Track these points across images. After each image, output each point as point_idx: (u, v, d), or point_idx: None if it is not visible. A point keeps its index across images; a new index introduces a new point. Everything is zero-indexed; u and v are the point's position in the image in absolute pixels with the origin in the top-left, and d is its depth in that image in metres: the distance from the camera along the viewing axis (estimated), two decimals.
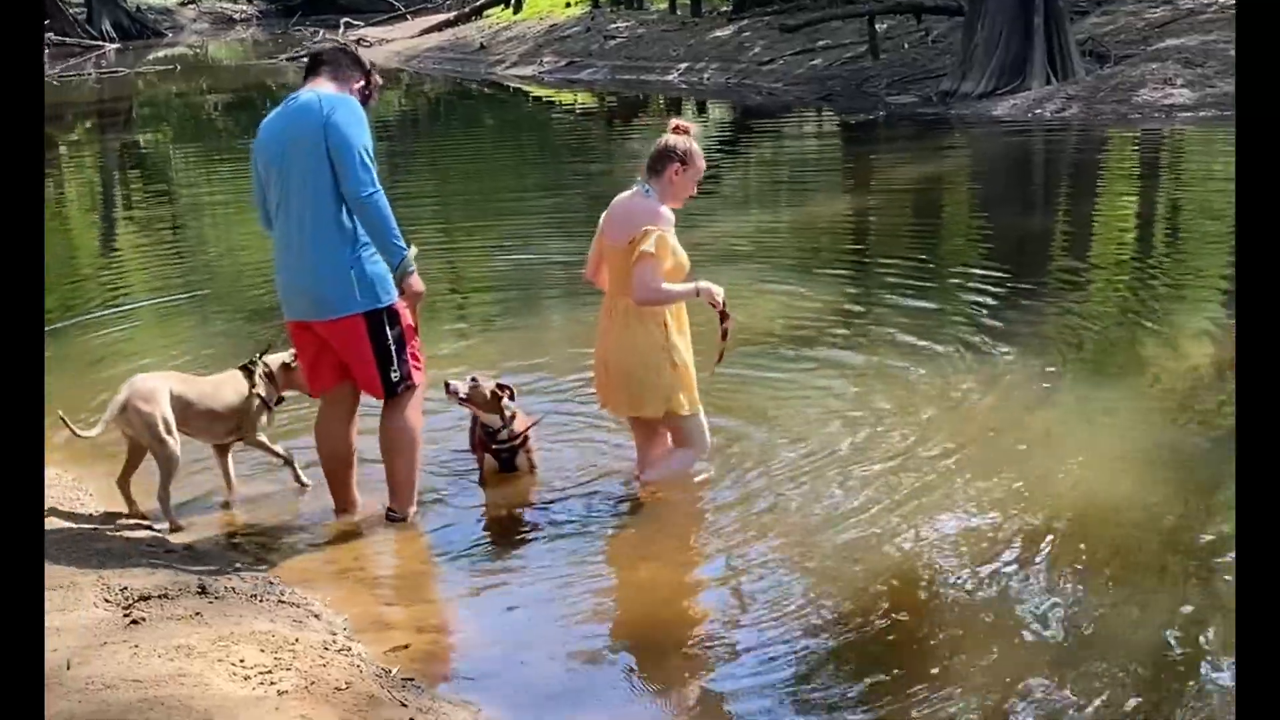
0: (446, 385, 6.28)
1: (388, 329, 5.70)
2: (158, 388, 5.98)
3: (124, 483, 6.13)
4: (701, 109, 23.88)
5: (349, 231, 5.59)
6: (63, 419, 5.83)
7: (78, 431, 5.93)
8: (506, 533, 5.99)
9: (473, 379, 6.35)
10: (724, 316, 6.18)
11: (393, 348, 5.73)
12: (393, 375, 5.75)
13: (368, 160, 5.51)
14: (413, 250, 5.66)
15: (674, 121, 6.13)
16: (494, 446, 6.40)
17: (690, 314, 6.25)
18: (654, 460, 6.32)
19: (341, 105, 5.59)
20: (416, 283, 5.69)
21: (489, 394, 6.31)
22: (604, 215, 6.18)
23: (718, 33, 27.66)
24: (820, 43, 24.76)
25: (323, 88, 5.69)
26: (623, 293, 6.02)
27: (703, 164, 6.07)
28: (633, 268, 5.89)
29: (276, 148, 5.68)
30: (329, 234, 5.58)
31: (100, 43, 43.23)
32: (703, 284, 6.03)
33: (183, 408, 6.01)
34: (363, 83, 5.82)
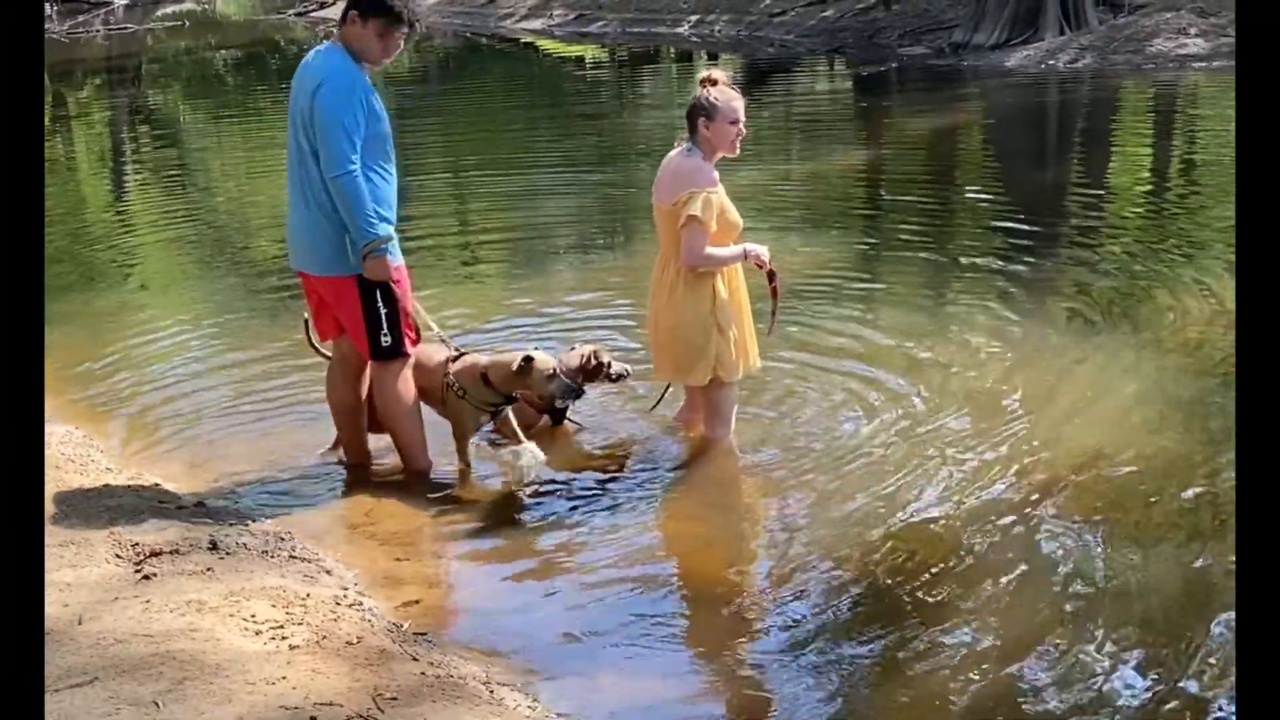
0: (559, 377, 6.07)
1: (378, 294, 5.65)
2: None
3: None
4: (712, 61, 23.72)
5: None
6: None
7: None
8: (520, 492, 5.97)
9: (580, 354, 6.29)
10: (771, 277, 6.14)
11: (383, 311, 5.68)
12: (382, 340, 5.72)
13: (348, 137, 5.39)
14: (387, 231, 5.54)
15: (703, 74, 6.02)
16: (558, 405, 6.41)
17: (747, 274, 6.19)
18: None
19: (328, 79, 5.45)
20: (377, 266, 5.55)
21: (589, 363, 6.27)
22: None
23: None
24: None
25: (336, 38, 5.60)
26: (673, 255, 5.95)
27: (735, 108, 5.86)
28: (679, 231, 5.83)
29: (292, 99, 5.64)
30: (328, 194, 5.54)
31: None
32: (750, 246, 5.97)
33: None
34: (352, 13, 5.53)
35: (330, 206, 5.53)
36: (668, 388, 6.49)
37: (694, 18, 26.37)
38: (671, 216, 5.84)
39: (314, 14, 35.62)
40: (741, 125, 5.90)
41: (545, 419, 6.52)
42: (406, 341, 5.81)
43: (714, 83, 5.91)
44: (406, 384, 5.91)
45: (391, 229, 5.63)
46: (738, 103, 5.89)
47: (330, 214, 5.54)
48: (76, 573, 4.72)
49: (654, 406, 6.56)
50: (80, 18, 37.66)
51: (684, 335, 5.96)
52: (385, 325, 5.69)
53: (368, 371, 5.96)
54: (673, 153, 5.97)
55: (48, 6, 38.31)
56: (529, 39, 28.83)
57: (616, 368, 6.30)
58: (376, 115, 5.56)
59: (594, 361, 6.25)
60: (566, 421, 6.57)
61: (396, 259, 5.67)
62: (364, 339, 5.73)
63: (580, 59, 26.01)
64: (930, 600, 4.80)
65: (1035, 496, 5.55)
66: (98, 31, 35.58)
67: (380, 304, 5.66)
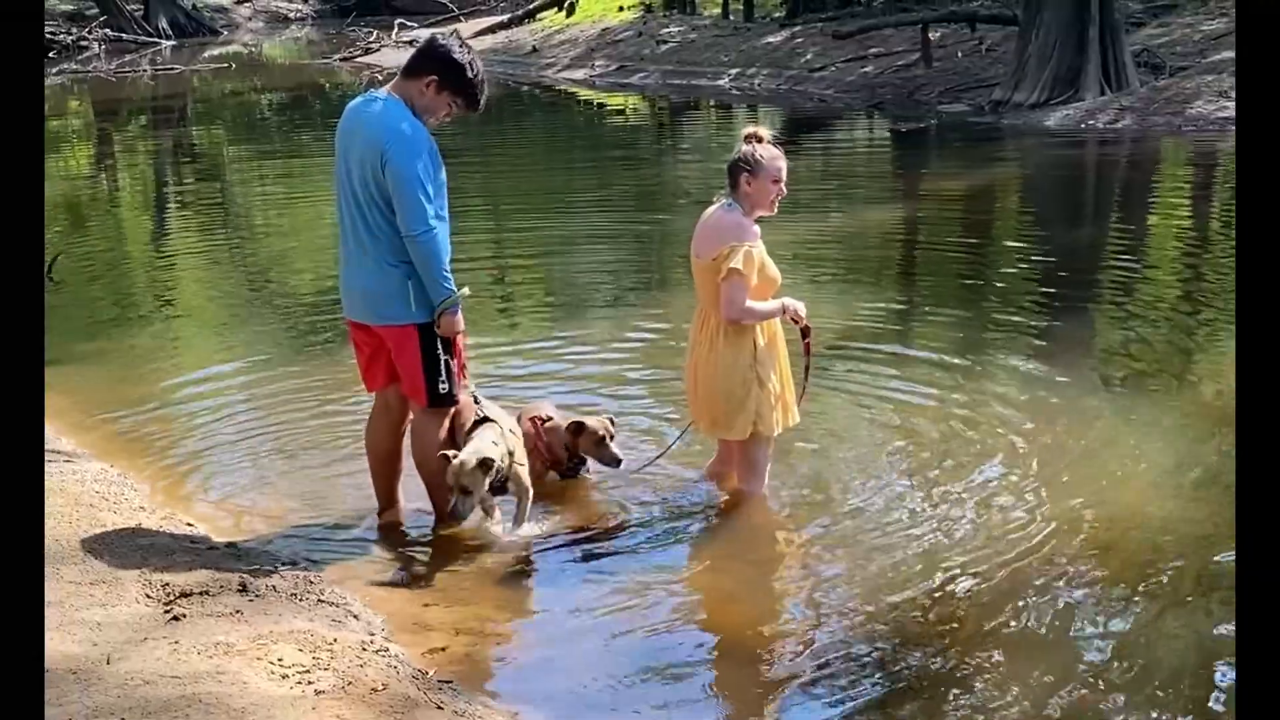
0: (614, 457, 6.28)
1: (439, 341, 5.69)
2: None
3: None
4: (752, 113, 23.81)
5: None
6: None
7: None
8: (549, 538, 5.97)
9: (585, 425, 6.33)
10: (805, 333, 6.14)
11: (442, 359, 5.72)
12: (440, 387, 5.75)
13: (425, 194, 5.46)
14: (465, 290, 5.67)
15: (747, 130, 5.99)
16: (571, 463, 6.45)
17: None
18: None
19: (403, 132, 5.47)
20: (452, 322, 5.65)
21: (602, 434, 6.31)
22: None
23: (769, 39, 27.63)
24: (872, 50, 24.68)
25: (397, 89, 5.62)
26: (712, 309, 5.94)
27: (778, 167, 5.85)
28: (720, 285, 5.84)
29: (345, 143, 5.65)
30: (389, 242, 5.56)
31: (156, 40, 43.59)
32: (788, 301, 5.97)
33: None
34: (434, 78, 5.58)
35: (390, 256, 5.55)
36: (680, 435, 6.52)
37: (734, 71, 26.49)
38: (711, 271, 5.85)
39: (359, 59, 35.97)
40: (783, 185, 5.90)
41: (552, 473, 6.48)
42: (458, 390, 5.84)
43: (759, 139, 5.89)
44: (444, 433, 5.93)
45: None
46: (781, 162, 5.88)
47: (391, 263, 5.57)
48: (106, 611, 4.74)
49: (661, 455, 6.56)
50: (127, 57, 38.21)
51: (724, 388, 5.95)
52: (444, 373, 5.72)
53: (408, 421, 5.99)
54: (712, 208, 5.98)
55: (95, 45, 38.94)
56: (570, 88, 29.02)
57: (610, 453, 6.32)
58: (440, 165, 5.62)
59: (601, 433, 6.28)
60: (583, 474, 6.55)
61: (460, 312, 5.72)
62: (421, 386, 5.75)
63: (619, 109, 26.17)
64: (958, 665, 4.76)
65: (1068, 560, 5.51)
66: (144, 71, 36.02)
67: (440, 351, 5.69)
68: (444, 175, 5.67)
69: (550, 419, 6.39)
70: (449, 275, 5.57)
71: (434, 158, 5.55)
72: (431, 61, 5.59)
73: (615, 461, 6.26)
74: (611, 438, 6.28)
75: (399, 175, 5.44)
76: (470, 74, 5.61)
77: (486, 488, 5.66)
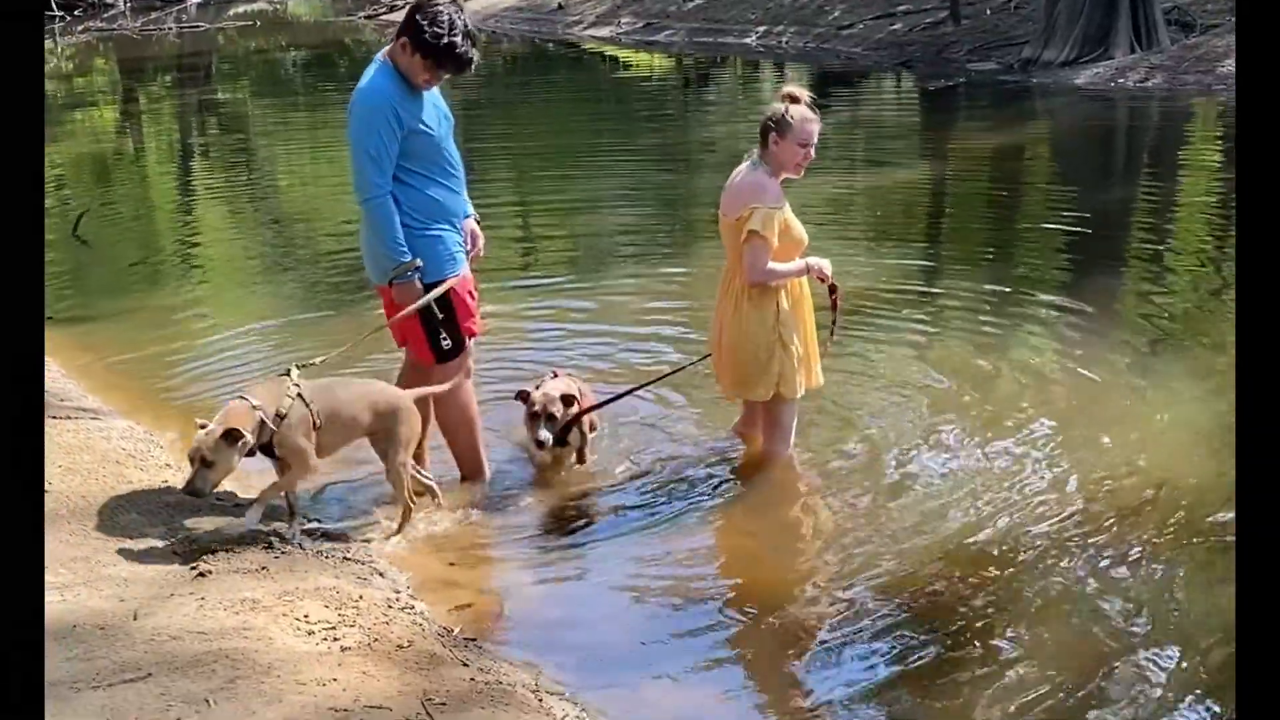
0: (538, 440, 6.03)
1: (434, 303, 5.63)
2: None
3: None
4: (779, 73, 23.67)
5: (399, 205, 5.51)
6: None
7: None
8: (575, 500, 5.97)
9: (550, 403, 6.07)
10: (833, 290, 6.09)
11: (439, 318, 5.66)
12: (443, 343, 5.73)
13: (372, 159, 5.34)
14: (415, 262, 5.49)
15: (784, 89, 5.88)
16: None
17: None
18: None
19: (360, 98, 5.41)
20: (403, 291, 5.53)
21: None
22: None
23: None
24: (901, 7, 24.46)
25: (389, 49, 5.52)
26: (738, 268, 5.90)
27: (808, 130, 5.74)
28: (742, 247, 5.80)
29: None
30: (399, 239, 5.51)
31: None
32: (812, 260, 5.92)
33: None
34: (403, 39, 5.39)
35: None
36: (692, 363, 6.49)
37: (761, 29, 26.29)
38: (735, 230, 5.81)
39: (383, 16, 35.83)
40: (811, 150, 5.80)
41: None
42: (466, 339, 5.81)
43: (795, 100, 5.79)
44: (467, 395, 5.92)
45: (458, 239, 5.67)
46: (813, 126, 5.76)
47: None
48: (133, 568, 4.77)
49: (675, 371, 6.62)
50: (153, 14, 38.10)
51: (749, 350, 5.92)
52: (443, 330, 5.70)
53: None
54: (741, 166, 5.93)
55: (120, 3, 38.86)
56: (595, 46, 28.87)
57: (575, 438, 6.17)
58: (420, 124, 5.46)
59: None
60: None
61: (450, 269, 5.65)
62: (425, 345, 5.75)
63: (646, 67, 26.03)
64: (985, 628, 4.73)
65: (1095, 523, 5.48)
66: (170, 29, 35.97)
67: (436, 311, 5.66)
68: (435, 138, 5.53)
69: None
70: (401, 245, 5.44)
71: (399, 122, 5.37)
72: (407, 23, 5.41)
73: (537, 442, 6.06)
74: (550, 416, 6.03)
75: (349, 138, 5.42)
76: (434, 39, 5.34)
77: (235, 463, 5.17)
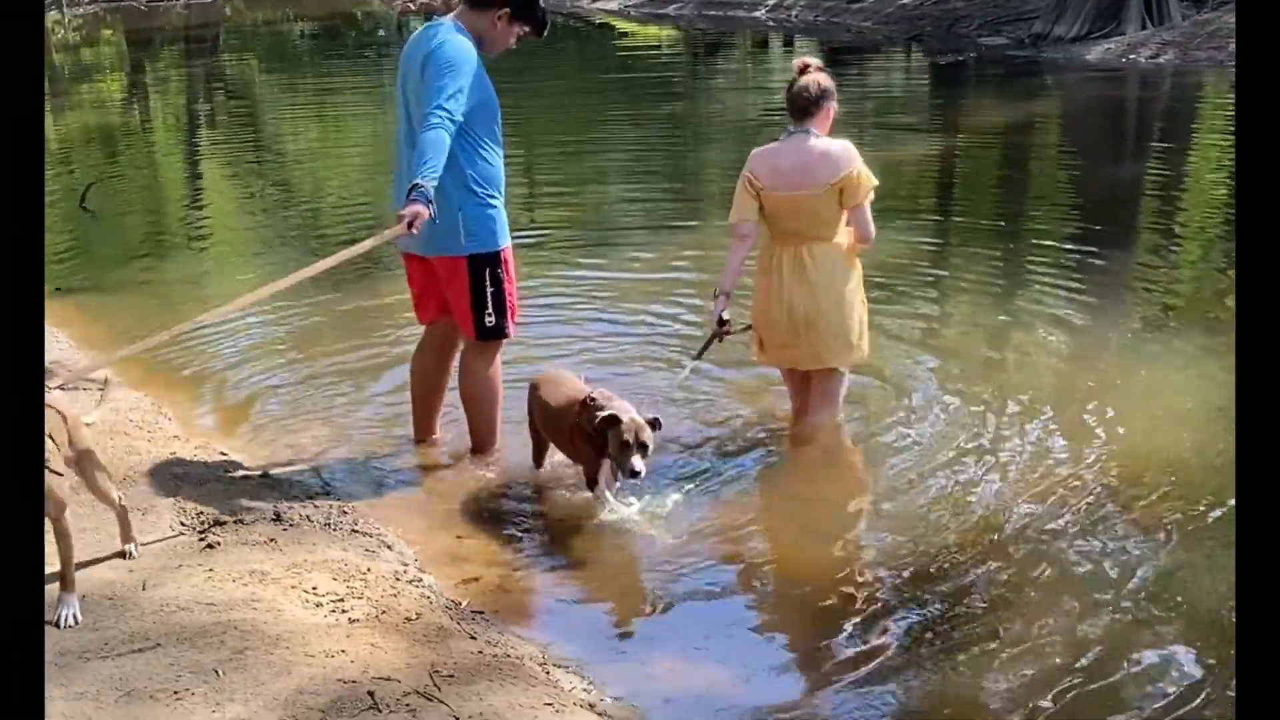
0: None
1: (488, 275, 5.66)
2: None
3: None
4: (788, 47, 23.59)
5: (461, 172, 5.50)
6: None
7: None
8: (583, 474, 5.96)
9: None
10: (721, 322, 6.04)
11: (489, 292, 5.68)
12: (487, 320, 5.72)
13: (460, 93, 5.35)
14: (430, 187, 5.30)
15: (800, 62, 5.95)
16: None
17: None
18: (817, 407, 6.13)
19: (450, 39, 5.46)
20: (414, 208, 5.23)
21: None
22: (754, 166, 5.85)
23: None
24: None
25: (463, 19, 5.59)
26: (815, 238, 5.81)
27: None
28: (854, 210, 5.77)
29: (402, 74, 5.64)
30: (441, 172, 5.42)
31: None
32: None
33: None
34: (506, 11, 5.60)
35: (448, 179, 5.40)
36: (711, 340, 6.14)
37: (771, 2, 26.22)
38: (823, 199, 5.73)
39: None
40: None
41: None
42: (509, 324, 5.82)
43: (818, 68, 5.92)
44: (496, 369, 5.92)
45: (501, 201, 5.70)
46: None
47: (448, 186, 5.43)
48: (142, 539, 4.76)
49: (699, 354, 6.25)
50: None
51: (840, 311, 5.87)
52: (490, 305, 5.70)
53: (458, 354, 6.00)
54: (782, 143, 5.85)
55: None
56: (605, 19, 28.79)
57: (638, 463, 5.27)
58: (488, 88, 5.57)
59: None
60: None
61: (503, 241, 5.69)
62: (469, 318, 5.74)
63: (654, 41, 25.95)
64: (1011, 605, 4.68)
65: (1093, 496, 5.44)
66: (177, 1, 35.91)
67: (488, 284, 5.67)
68: (496, 106, 5.65)
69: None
70: (437, 171, 5.27)
71: (480, 77, 5.51)
72: None
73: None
74: (643, 445, 5.30)
75: (436, 64, 5.39)
76: (542, 13, 5.71)
77: None
